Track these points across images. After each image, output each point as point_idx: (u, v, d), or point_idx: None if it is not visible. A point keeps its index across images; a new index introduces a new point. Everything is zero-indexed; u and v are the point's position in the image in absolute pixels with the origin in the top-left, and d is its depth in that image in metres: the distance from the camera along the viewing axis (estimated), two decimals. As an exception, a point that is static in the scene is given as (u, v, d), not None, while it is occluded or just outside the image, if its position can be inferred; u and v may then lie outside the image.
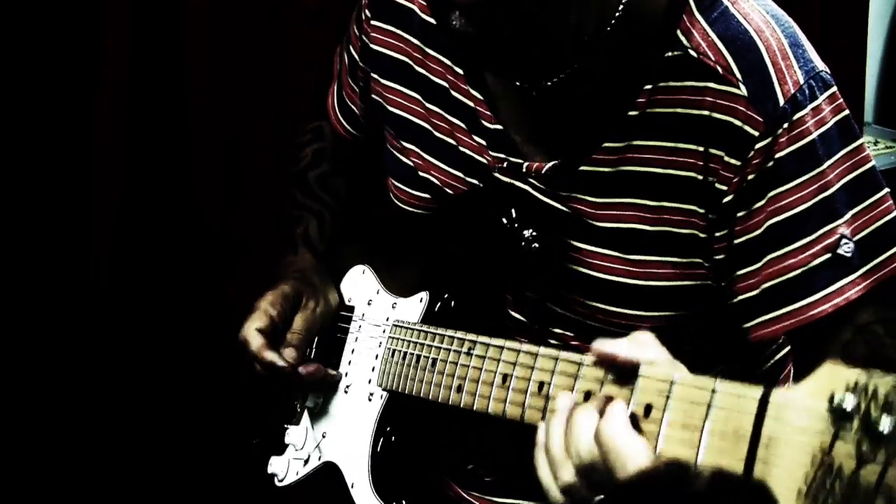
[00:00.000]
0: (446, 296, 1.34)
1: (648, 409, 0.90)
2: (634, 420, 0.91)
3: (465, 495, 1.43)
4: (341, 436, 1.40)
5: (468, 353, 1.17)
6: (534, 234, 1.27)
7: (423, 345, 1.27)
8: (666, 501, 0.93)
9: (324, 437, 1.43)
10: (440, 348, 1.23)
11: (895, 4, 3.25)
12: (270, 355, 1.37)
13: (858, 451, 0.70)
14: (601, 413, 0.93)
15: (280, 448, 1.49)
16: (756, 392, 0.82)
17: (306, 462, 1.44)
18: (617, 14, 1.16)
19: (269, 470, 1.48)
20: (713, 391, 0.85)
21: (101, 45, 2.01)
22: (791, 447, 0.76)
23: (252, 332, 1.38)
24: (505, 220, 1.28)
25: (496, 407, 1.10)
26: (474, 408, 1.14)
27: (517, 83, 1.23)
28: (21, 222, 2.04)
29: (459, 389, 1.17)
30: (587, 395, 0.97)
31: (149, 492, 2.20)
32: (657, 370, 0.91)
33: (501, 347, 1.12)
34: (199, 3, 2.07)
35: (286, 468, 1.46)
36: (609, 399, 0.93)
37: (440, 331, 1.25)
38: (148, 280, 2.17)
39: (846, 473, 0.71)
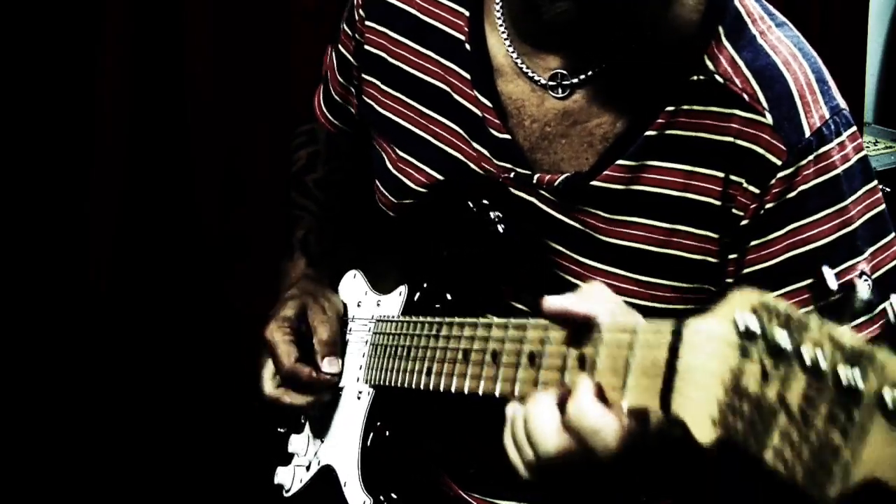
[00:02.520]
0: (425, 285, 1.34)
1: (582, 359, 0.90)
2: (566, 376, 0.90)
3: (465, 495, 1.43)
4: (336, 438, 1.41)
5: (436, 336, 1.17)
6: (499, 215, 1.26)
7: (401, 335, 1.27)
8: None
9: (322, 441, 1.43)
10: (414, 335, 1.23)
11: (895, 4, 3.25)
12: (323, 377, 1.39)
13: (762, 370, 0.69)
14: (562, 404, 0.90)
15: (286, 458, 1.49)
16: (672, 324, 0.80)
17: (308, 468, 1.45)
18: (652, 20, 1.16)
19: (276, 481, 1.49)
20: (635, 330, 0.84)
21: (101, 45, 2.01)
22: (705, 375, 0.75)
23: (295, 366, 1.38)
24: (471, 204, 1.28)
25: (459, 383, 1.10)
26: (441, 388, 1.13)
27: (542, 79, 1.22)
28: (21, 222, 2.05)
29: (429, 372, 1.17)
30: (531, 357, 0.96)
31: (146, 491, 2.20)
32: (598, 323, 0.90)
33: (463, 324, 1.11)
34: (199, 2, 2.07)
35: (291, 477, 1.47)
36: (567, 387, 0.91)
37: (416, 319, 1.24)
38: (148, 280, 2.17)
39: (753, 394, 0.70)
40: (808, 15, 2.48)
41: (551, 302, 0.92)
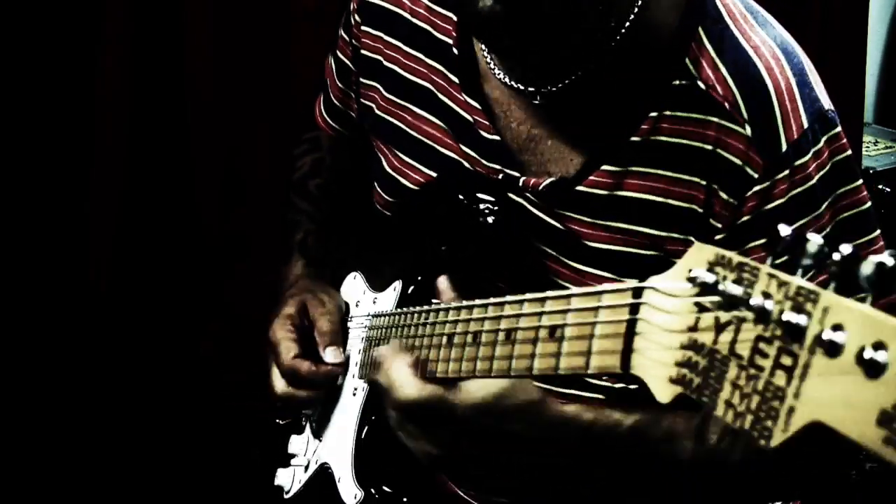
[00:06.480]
0: (419, 279, 1.34)
1: (553, 330, 0.90)
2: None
3: (462, 494, 1.43)
4: (332, 436, 1.41)
5: (425, 324, 1.15)
6: (490, 207, 1.26)
7: (395, 328, 1.27)
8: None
9: (320, 440, 1.43)
10: (408, 325, 1.22)
11: (895, 4, 3.25)
12: (324, 368, 1.37)
13: (716, 322, 0.69)
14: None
15: (286, 460, 1.49)
16: (633, 283, 0.80)
17: (306, 468, 1.45)
18: (627, 25, 1.15)
19: (276, 482, 1.48)
20: (601, 293, 0.84)
21: (101, 45, 2.02)
22: (663, 333, 0.75)
23: (293, 362, 1.36)
24: (462, 196, 1.28)
25: (454, 367, 1.07)
26: (437, 373, 1.10)
27: (520, 86, 1.22)
28: (21, 222, 2.05)
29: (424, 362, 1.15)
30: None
31: (147, 492, 2.20)
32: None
33: (447, 310, 1.10)
34: (199, 2, 2.07)
35: (291, 478, 1.46)
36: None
37: (407, 309, 1.24)
38: (148, 280, 2.17)
39: (707, 348, 0.70)
40: (808, 15, 2.48)
41: None
